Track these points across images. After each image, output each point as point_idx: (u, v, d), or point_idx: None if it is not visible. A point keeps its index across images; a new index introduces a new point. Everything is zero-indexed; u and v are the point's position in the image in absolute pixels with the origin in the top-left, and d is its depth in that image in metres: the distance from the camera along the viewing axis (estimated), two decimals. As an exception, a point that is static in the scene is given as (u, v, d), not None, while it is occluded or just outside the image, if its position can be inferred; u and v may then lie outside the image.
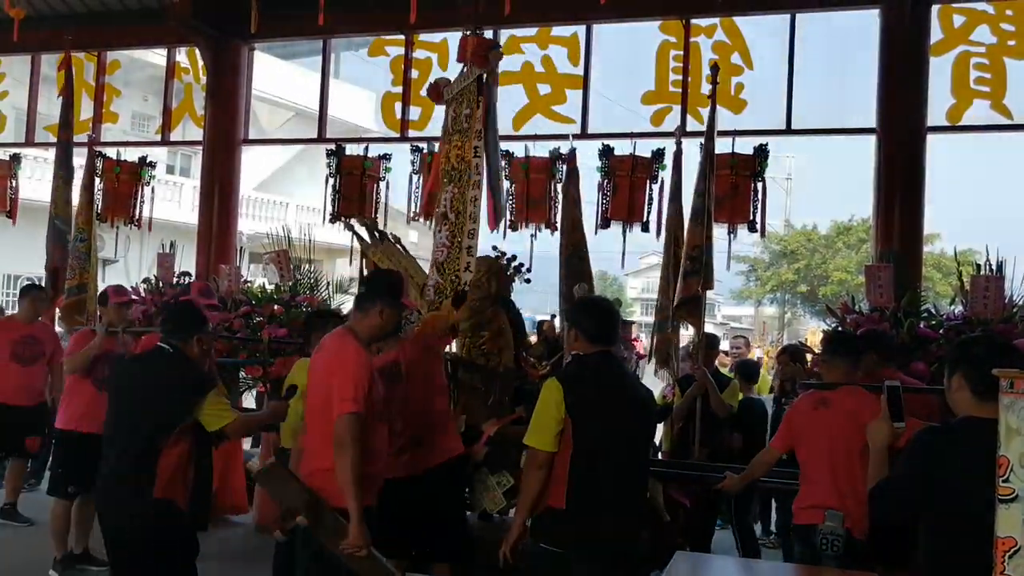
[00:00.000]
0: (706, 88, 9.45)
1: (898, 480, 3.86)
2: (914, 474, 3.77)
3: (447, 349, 6.73)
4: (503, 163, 9.75)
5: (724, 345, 12.82)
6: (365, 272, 7.81)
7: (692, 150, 8.67)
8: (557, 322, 9.01)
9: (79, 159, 11.00)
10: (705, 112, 9.31)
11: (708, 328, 8.42)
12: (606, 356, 4.71)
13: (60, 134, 10.89)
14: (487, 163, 5.84)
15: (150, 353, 5.50)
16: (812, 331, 7.11)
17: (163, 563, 4.99)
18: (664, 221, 8.96)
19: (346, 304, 9.53)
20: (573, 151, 9.42)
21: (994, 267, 7.48)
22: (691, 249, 7.88)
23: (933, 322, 7.55)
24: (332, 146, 10.58)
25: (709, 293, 8.15)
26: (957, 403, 3.76)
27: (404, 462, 5.50)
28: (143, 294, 9.89)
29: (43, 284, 10.36)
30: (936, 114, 8.99)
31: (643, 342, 8.74)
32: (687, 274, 7.90)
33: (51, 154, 12.94)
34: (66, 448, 7.42)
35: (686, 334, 8.88)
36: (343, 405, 4.42)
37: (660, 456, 7.88)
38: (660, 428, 8.41)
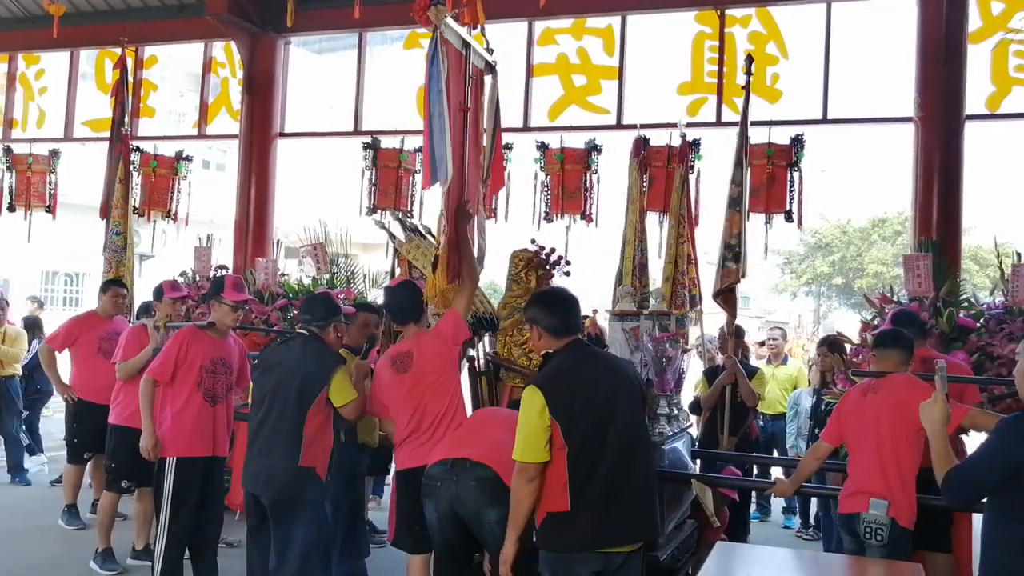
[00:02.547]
0: (741, 78, 9.44)
1: (981, 464, 3.84)
2: (1000, 460, 3.75)
3: (484, 349, 6.70)
4: (538, 153, 9.85)
5: (761, 336, 12.78)
6: (397, 270, 7.81)
7: (728, 141, 8.66)
8: (600, 318, 8.91)
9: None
10: (740, 102, 9.29)
11: (744, 320, 8.42)
12: (576, 346, 4.64)
13: (114, 131, 10.92)
14: (429, 123, 5.51)
15: (293, 339, 6.02)
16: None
17: (305, 530, 5.54)
18: (668, 213, 9.02)
19: (381, 297, 9.54)
20: (639, 139, 9.36)
21: (1035, 256, 7.41)
22: (729, 237, 7.93)
23: (973, 312, 7.48)
24: (368, 139, 10.63)
25: (744, 285, 8.15)
26: None
27: (403, 454, 5.52)
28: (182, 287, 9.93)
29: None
30: (975, 102, 8.91)
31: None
32: (726, 261, 7.96)
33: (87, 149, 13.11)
34: (119, 444, 7.41)
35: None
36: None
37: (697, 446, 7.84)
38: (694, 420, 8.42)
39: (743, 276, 7.86)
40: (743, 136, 8.11)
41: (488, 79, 6.60)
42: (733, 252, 7.87)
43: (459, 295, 5.62)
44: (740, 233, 7.84)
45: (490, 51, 6.49)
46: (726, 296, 8.05)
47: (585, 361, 4.59)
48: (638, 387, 4.72)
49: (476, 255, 5.98)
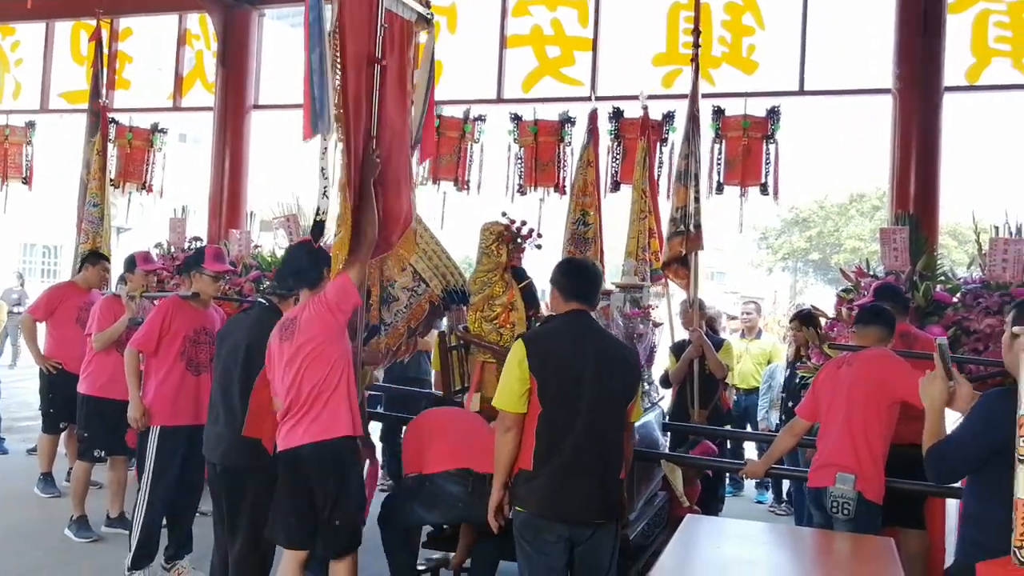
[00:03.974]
0: (717, 50, 9.40)
1: (963, 440, 3.80)
2: (981, 435, 3.72)
3: (459, 325, 6.60)
4: (512, 125, 9.79)
5: (735, 311, 12.78)
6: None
7: (703, 112, 8.59)
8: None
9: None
10: (716, 73, 9.28)
11: (718, 295, 8.42)
12: (578, 315, 4.68)
13: (91, 102, 10.96)
14: (308, 67, 4.96)
15: (252, 307, 5.86)
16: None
17: (254, 502, 5.40)
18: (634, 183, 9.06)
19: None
20: (595, 111, 9.37)
21: (1013, 230, 7.37)
22: (674, 210, 8.03)
23: (950, 286, 7.45)
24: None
25: (719, 260, 8.18)
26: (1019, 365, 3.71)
27: (282, 432, 5.01)
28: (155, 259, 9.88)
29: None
30: (954, 74, 8.84)
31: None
32: (670, 235, 8.09)
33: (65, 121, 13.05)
34: (91, 414, 7.51)
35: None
36: None
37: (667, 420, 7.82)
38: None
39: (700, 248, 7.83)
40: (692, 110, 8.11)
41: (423, 35, 6.20)
42: (677, 226, 7.91)
43: (353, 257, 5.09)
44: (685, 207, 7.86)
45: (425, 4, 6.08)
46: (675, 269, 8.08)
47: (577, 331, 4.64)
48: (630, 376, 4.74)
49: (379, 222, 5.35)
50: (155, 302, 6.95)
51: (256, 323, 5.52)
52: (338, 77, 5.06)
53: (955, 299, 7.26)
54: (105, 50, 11.35)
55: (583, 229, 8.93)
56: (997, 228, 7.41)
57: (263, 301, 5.71)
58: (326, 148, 5.15)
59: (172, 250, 10.32)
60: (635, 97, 9.28)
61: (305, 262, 5.19)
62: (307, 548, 5.04)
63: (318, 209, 5.25)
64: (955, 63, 8.83)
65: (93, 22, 11.18)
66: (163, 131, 11.77)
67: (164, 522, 6.52)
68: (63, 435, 8.81)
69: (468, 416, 5.64)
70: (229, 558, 5.54)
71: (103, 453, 7.50)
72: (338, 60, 5.06)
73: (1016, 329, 3.09)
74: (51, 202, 15.20)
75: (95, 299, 8.43)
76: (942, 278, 7.56)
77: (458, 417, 5.65)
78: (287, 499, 5.01)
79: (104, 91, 11.13)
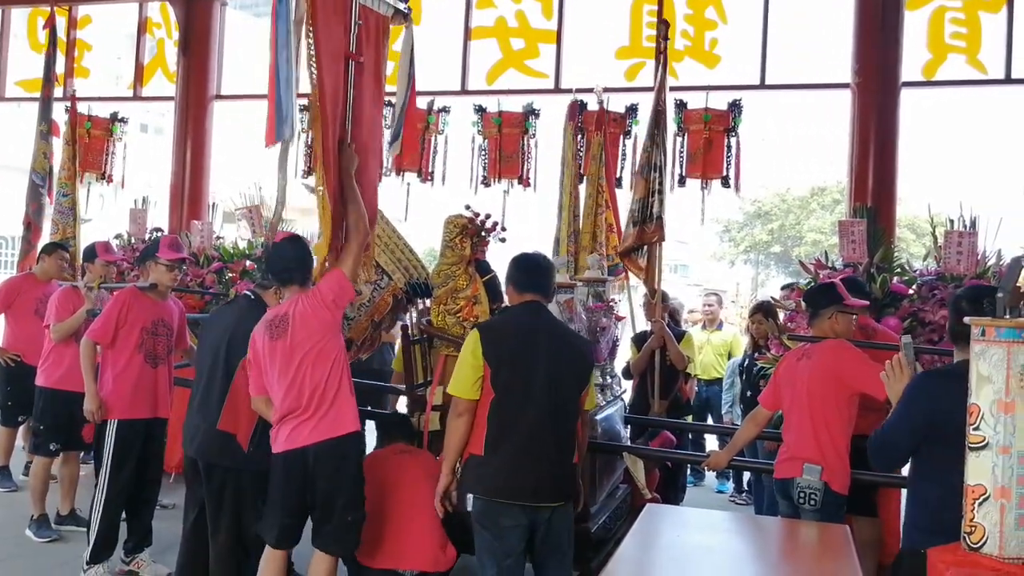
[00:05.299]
0: (679, 43, 9.44)
1: (896, 425, 3.90)
2: (914, 419, 3.82)
3: (422, 318, 6.60)
4: (476, 117, 9.79)
5: (697, 303, 12.84)
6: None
7: (668, 105, 8.62)
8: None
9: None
10: (679, 66, 9.32)
11: (681, 288, 8.45)
12: (532, 306, 4.81)
13: (43, 89, 10.81)
14: (275, 70, 4.81)
15: (236, 300, 5.80)
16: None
17: (233, 497, 5.34)
18: (590, 175, 9.12)
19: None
20: (574, 103, 9.38)
21: (968, 222, 7.47)
22: (633, 203, 8.04)
23: (906, 278, 7.55)
24: (304, 101, 10.50)
25: (682, 253, 8.21)
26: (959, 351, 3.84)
27: (283, 433, 4.88)
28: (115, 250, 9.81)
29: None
30: (911, 69, 8.98)
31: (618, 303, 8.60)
32: (628, 226, 8.10)
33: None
34: (47, 407, 7.36)
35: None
36: None
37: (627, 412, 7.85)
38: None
39: (661, 240, 7.84)
40: (657, 102, 8.06)
41: (399, 28, 6.15)
42: (633, 217, 7.93)
43: (346, 251, 5.09)
44: (644, 199, 7.86)
45: None
46: (633, 259, 8.12)
47: (531, 320, 4.76)
48: (582, 365, 4.86)
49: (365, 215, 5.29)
50: (113, 293, 6.87)
51: (236, 316, 5.46)
52: (314, 72, 5.02)
53: (911, 291, 7.37)
54: (63, 38, 11.24)
55: (575, 223, 8.93)
56: (952, 221, 7.51)
57: (248, 294, 5.66)
58: (286, 147, 5.04)
59: (132, 241, 10.25)
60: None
61: (294, 258, 5.07)
62: (294, 546, 5.05)
63: (276, 210, 5.24)
64: (912, 59, 8.97)
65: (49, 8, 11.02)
66: (123, 120, 11.60)
67: (123, 515, 6.44)
68: (21, 428, 8.71)
69: (419, 494, 5.27)
70: (210, 551, 5.44)
71: (59, 447, 7.33)
72: (313, 55, 5.02)
73: (967, 319, 3.15)
74: (7, 192, 15.00)
75: (55, 290, 8.36)
76: (899, 270, 7.66)
77: (410, 494, 5.37)
78: (282, 500, 4.91)
79: (71, 79, 11.04)
